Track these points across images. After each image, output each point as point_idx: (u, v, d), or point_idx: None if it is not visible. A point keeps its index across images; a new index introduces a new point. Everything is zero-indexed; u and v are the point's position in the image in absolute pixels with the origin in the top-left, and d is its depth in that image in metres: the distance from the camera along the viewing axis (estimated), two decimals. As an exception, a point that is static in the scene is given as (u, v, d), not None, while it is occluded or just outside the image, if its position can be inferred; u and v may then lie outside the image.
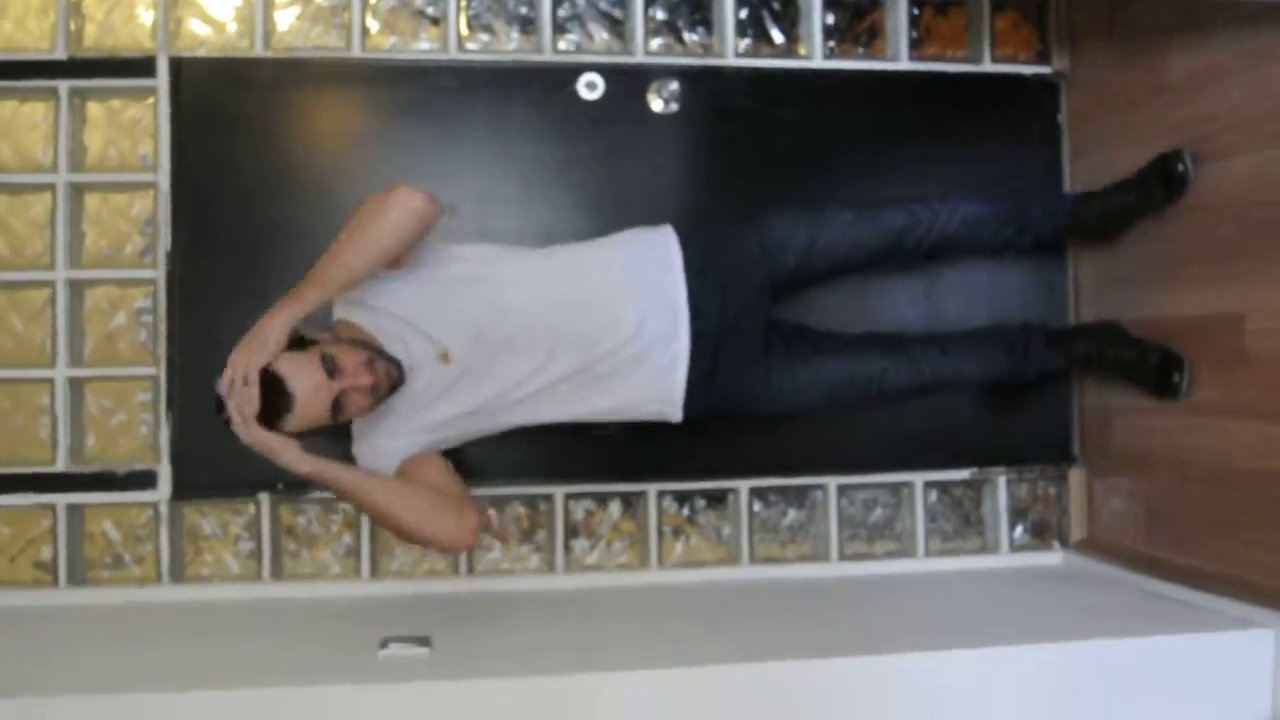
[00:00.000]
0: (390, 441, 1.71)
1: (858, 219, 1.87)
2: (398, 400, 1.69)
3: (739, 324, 1.79)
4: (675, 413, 1.79)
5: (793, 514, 2.19)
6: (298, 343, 1.58)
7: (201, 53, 2.07)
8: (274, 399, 1.51)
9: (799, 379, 1.84)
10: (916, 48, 2.25)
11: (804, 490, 2.19)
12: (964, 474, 2.22)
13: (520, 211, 2.09)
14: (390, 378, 1.62)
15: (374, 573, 2.05)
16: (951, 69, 2.25)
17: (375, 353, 1.62)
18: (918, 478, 2.20)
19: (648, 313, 1.72)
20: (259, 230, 2.03)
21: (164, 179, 2.03)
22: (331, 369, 1.54)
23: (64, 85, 2.03)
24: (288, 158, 2.06)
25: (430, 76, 2.09)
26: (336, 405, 1.55)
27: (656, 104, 2.13)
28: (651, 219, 1.87)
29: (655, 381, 1.75)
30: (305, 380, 1.52)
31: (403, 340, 1.68)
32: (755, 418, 1.92)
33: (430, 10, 2.14)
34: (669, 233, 1.81)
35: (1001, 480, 2.23)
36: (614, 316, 1.70)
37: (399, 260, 1.66)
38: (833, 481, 2.17)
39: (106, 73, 2.05)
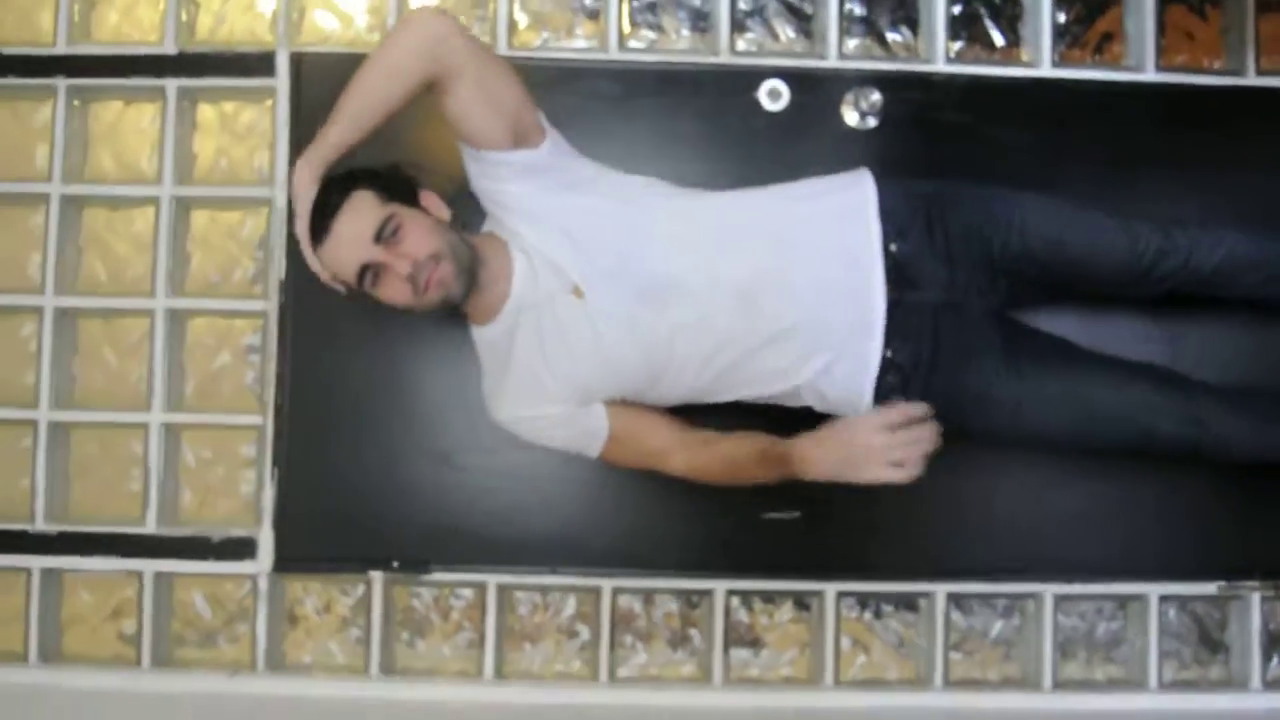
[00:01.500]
0: (555, 408, 1.43)
1: (1114, 227, 1.48)
2: (522, 346, 1.42)
3: (966, 300, 1.44)
4: (861, 408, 1.43)
5: (999, 625, 1.81)
6: (400, 189, 1.40)
7: (327, 48, 1.79)
8: (315, 218, 1.36)
9: (1046, 391, 1.44)
10: (1163, 55, 1.84)
11: (1014, 599, 1.80)
12: (1209, 588, 1.80)
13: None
14: (447, 294, 1.35)
15: (499, 672, 1.74)
16: (1206, 81, 1.83)
17: (459, 262, 1.36)
18: (1152, 590, 1.80)
19: (832, 275, 1.40)
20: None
21: (280, 194, 1.74)
22: (384, 231, 1.32)
23: (172, 84, 1.77)
24: (424, 168, 1.74)
25: (586, 80, 1.77)
26: (366, 273, 1.34)
27: (852, 117, 1.77)
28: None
29: (838, 367, 1.41)
30: (349, 223, 1.33)
31: (529, 257, 1.42)
32: (971, 436, 1.47)
33: (588, 2, 1.82)
34: (865, 177, 1.49)
35: (1255, 598, 1.81)
36: (794, 277, 1.40)
37: (475, 126, 1.40)
38: (1049, 590, 1.78)
39: (219, 70, 1.77)
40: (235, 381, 1.78)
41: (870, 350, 1.39)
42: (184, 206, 1.79)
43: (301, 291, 1.73)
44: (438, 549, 1.71)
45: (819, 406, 1.45)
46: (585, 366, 1.39)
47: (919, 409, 1.33)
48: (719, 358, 1.40)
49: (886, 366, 1.40)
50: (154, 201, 1.76)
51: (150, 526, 1.72)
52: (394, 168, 1.42)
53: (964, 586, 1.77)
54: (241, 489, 1.77)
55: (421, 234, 1.32)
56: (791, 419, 1.46)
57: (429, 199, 1.42)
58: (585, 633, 1.77)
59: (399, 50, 1.35)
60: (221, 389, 1.78)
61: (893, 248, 1.41)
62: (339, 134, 1.37)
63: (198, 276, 1.79)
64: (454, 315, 1.47)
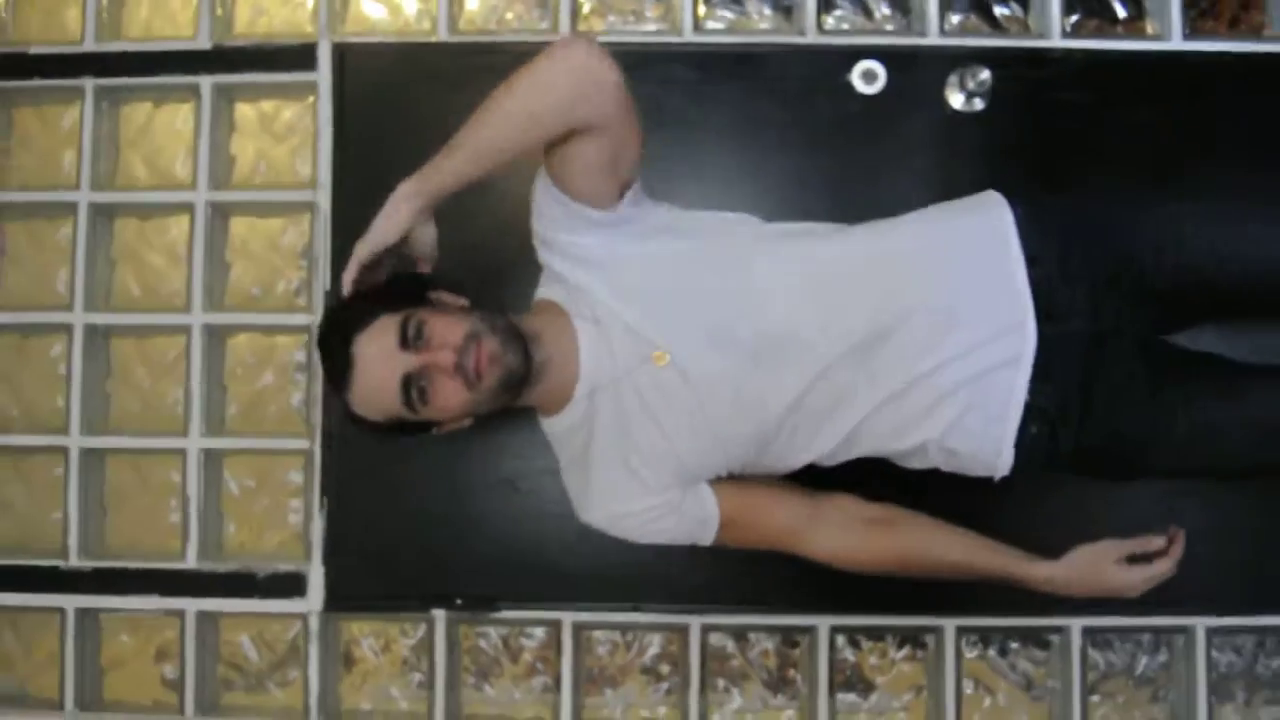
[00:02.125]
0: (654, 498, 1.21)
1: None
2: (603, 433, 1.20)
3: (1116, 330, 1.21)
4: (999, 463, 1.21)
5: (1144, 663, 1.58)
6: (405, 296, 1.17)
7: (373, 39, 1.64)
8: (330, 366, 1.16)
9: (1215, 419, 1.21)
10: (1310, 21, 1.61)
11: (1160, 632, 1.58)
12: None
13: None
14: (506, 370, 1.13)
15: (576, 717, 1.56)
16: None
17: (501, 334, 1.14)
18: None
19: (967, 313, 1.17)
20: (441, 263, 1.55)
21: (324, 198, 1.59)
22: (409, 335, 1.11)
23: (207, 81, 1.63)
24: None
25: (658, 65, 1.58)
26: (411, 388, 1.11)
27: (957, 99, 1.56)
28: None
29: (971, 417, 1.19)
30: (368, 343, 1.12)
31: (599, 324, 1.19)
32: (1133, 472, 1.27)
33: (658, -18, 1.65)
34: (996, 199, 1.26)
35: None
36: (923, 321, 1.17)
37: (585, 182, 1.17)
38: (1200, 623, 1.55)
39: (257, 65, 1.63)
40: (280, 403, 1.63)
41: (1012, 397, 1.18)
42: (221, 214, 1.65)
43: (350, 302, 1.58)
44: (506, 584, 1.54)
45: (945, 466, 1.23)
46: (683, 444, 1.18)
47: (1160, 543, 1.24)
48: (840, 418, 1.19)
49: (1030, 415, 1.18)
50: (189, 209, 1.62)
51: (191, 562, 1.58)
52: (391, 279, 1.21)
53: (1102, 620, 1.55)
54: (289, 519, 1.62)
55: (448, 322, 1.13)
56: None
57: (438, 294, 1.21)
58: (672, 676, 1.58)
59: (551, 85, 1.11)
60: (266, 411, 1.63)
61: (1033, 276, 1.19)
62: (457, 166, 1.15)
63: (237, 289, 1.65)
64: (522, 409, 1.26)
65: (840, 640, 1.57)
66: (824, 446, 1.21)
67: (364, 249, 1.16)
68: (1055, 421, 1.19)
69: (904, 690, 1.57)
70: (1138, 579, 1.22)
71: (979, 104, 1.56)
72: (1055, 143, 1.56)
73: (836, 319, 1.16)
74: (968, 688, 1.57)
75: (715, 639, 1.57)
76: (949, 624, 1.55)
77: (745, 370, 1.16)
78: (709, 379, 1.16)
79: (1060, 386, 1.18)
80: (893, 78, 1.57)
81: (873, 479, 1.28)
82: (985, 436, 1.19)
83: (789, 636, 1.58)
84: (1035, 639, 1.58)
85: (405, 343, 1.10)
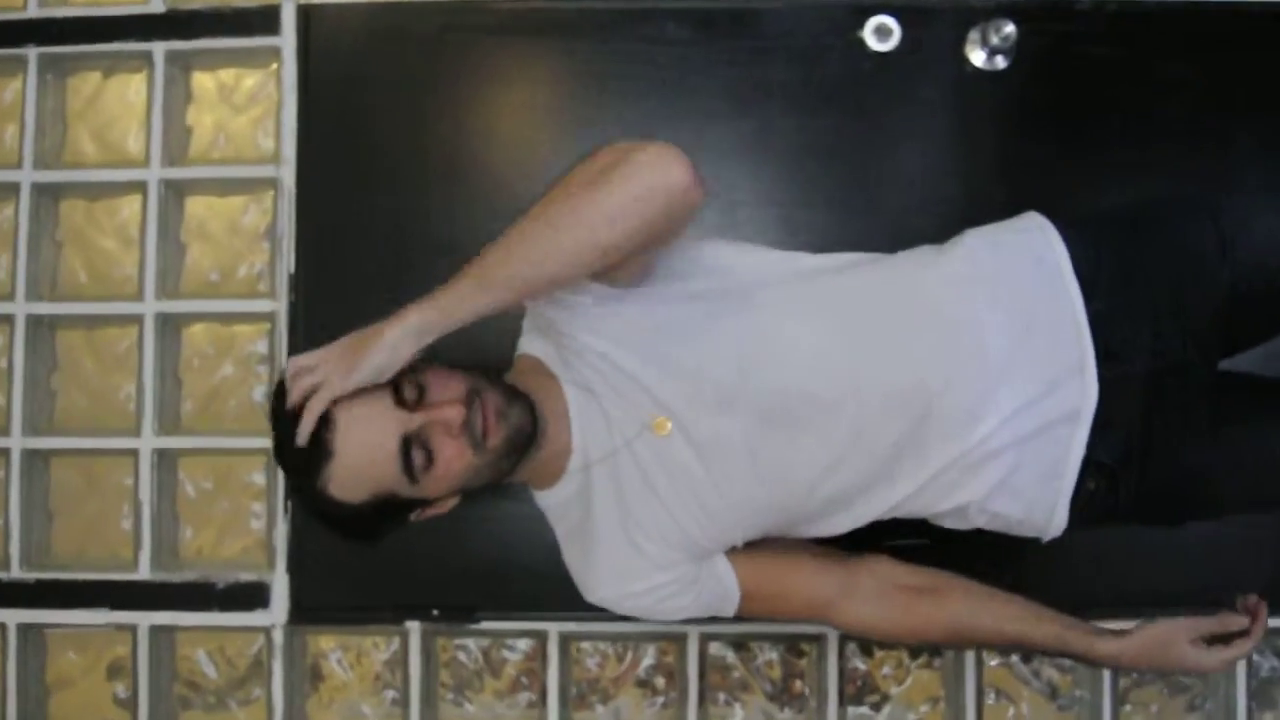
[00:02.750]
0: (665, 574, 1.06)
1: None
2: (602, 508, 1.05)
3: (1179, 363, 1.06)
4: (1051, 525, 1.08)
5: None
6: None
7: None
8: (292, 429, 0.92)
9: (1275, 441, 1.11)
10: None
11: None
12: None
13: (777, 214, 1.44)
14: (513, 429, 0.97)
15: (565, 734, 1.44)
16: None
17: (501, 390, 0.98)
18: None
19: (1023, 361, 1.03)
20: (416, 244, 1.44)
21: (288, 174, 1.47)
22: (405, 390, 0.93)
23: (160, 48, 1.51)
24: (459, 142, 1.47)
25: (651, 22, 1.47)
26: (412, 452, 0.93)
27: (978, 55, 1.44)
28: (971, 225, 1.16)
29: (1020, 477, 1.05)
30: (358, 404, 0.91)
31: (592, 391, 1.04)
32: (1200, 513, 1.15)
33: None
34: (1040, 222, 1.11)
35: None
36: (971, 376, 1.02)
37: (618, 267, 0.98)
38: (1239, 626, 1.44)
39: (215, 30, 1.51)
40: (240, 397, 1.50)
41: (1069, 454, 1.04)
42: (177, 192, 1.52)
43: (315, 289, 1.46)
44: (486, 593, 1.42)
45: (988, 526, 1.10)
46: (689, 517, 1.03)
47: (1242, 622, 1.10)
48: (878, 492, 1.05)
49: (1087, 470, 1.05)
50: (141, 188, 1.50)
51: (144, 572, 1.45)
52: None
53: (1134, 623, 1.43)
54: (251, 525, 1.48)
55: (448, 375, 0.96)
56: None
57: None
58: (668, 689, 1.46)
59: (633, 213, 0.91)
60: (225, 407, 1.50)
61: (1091, 312, 1.05)
62: (492, 301, 0.91)
63: (194, 274, 1.52)
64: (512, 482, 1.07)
65: (851, 648, 1.45)
66: (860, 520, 1.07)
67: (347, 382, 0.90)
68: (1115, 474, 1.05)
69: (920, 701, 1.45)
70: (1215, 662, 1.09)
71: (1002, 61, 1.44)
72: (1085, 103, 1.44)
73: (867, 371, 1.01)
74: (989, 698, 1.45)
75: (715, 649, 1.45)
76: (969, 630, 1.43)
77: (759, 435, 1.01)
78: (718, 446, 1.01)
79: (1121, 435, 1.04)
80: (908, 33, 1.45)
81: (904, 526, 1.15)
82: (1036, 498, 1.05)
83: (795, 645, 1.46)
84: (1062, 645, 1.46)
85: (401, 399, 0.93)
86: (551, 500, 1.09)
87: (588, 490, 1.06)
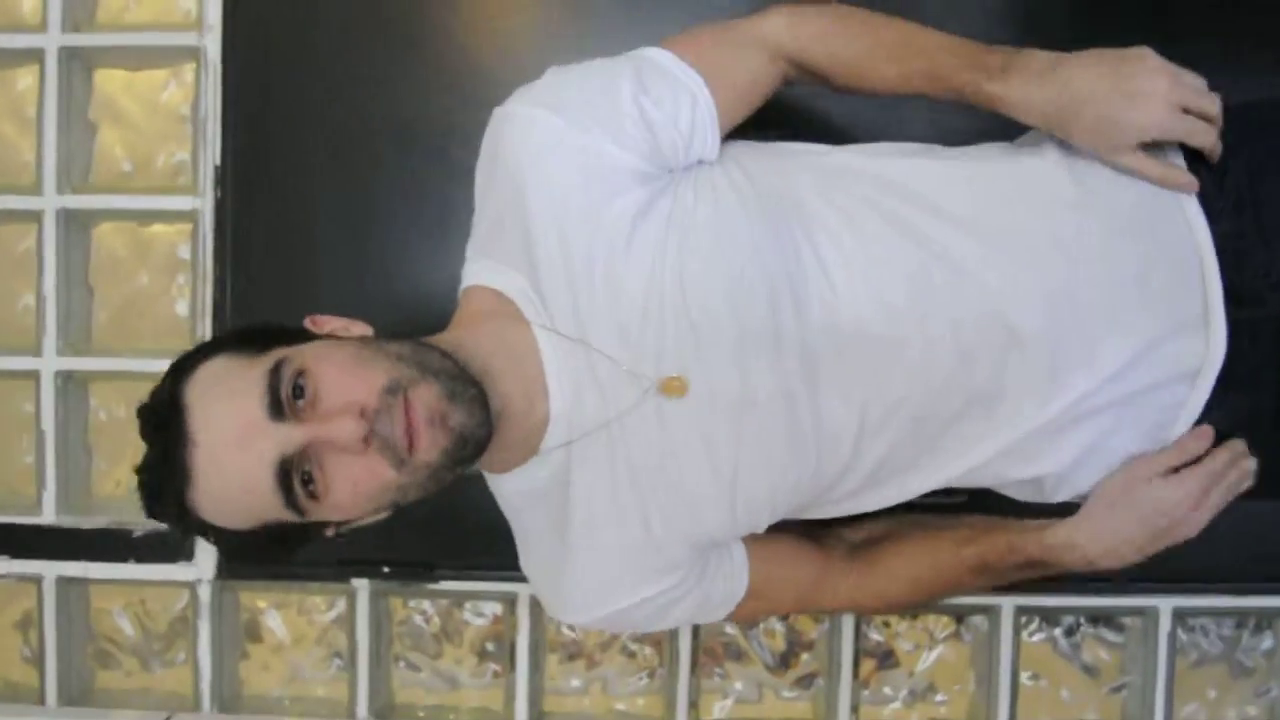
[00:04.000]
0: (671, 577, 0.85)
1: None
2: (587, 495, 0.82)
3: None
4: None
5: (1245, 642, 1.28)
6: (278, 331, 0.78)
7: None
8: (156, 451, 0.74)
9: None
10: None
11: (1267, 614, 1.27)
12: None
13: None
14: (455, 437, 0.73)
15: (534, 714, 1.25)
16: None
17: (442, 379, 0.74)
18: None
19: (1133, 304, 0.80)
20: (365, 129, 1.20)
21: (213, 43, 1.22)
22: (278, 391, 0.71)
23: (58, -114, 1.23)
24: (416, 4, 1.21)
25: None
26: (293, 479, 0.71)
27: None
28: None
29: (1117, 442, 0.85)
30: (214, 411, 0.72)
31: (583, 338, 0.80)
32: None
33: None
34: None
35: None
36: (1059, 320, 0.80)
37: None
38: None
39: None
40: (161, 311, 1.27)
41: (1176, 415, 0.84)
42: (82, 63, 1.27)
43: (246, 183, 1.22)
44: (446, 548, 1.22)
45: (1049, 499, 0.89)
46: (714, 499, 0.82)
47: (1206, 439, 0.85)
48: (947, 458, 0.84)
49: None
50: (38, 57, 1.25)
51: (49, 515, 1.24)
52: (245, 327, 0.82)
53: (1196, 600, 1.24)
54: (173, 462, 1.27)
55: (347, 368, 0.73)
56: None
57: (323, 321, 0.82)
58: (656, 659, 1.27)
59: None
60: (141, 321, 1.27)
61: (1218, 241, 0.82)
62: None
63: (104, 163, 1.28)
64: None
65: (867, 619, 1.25)
66: (909, 493, 0.86)
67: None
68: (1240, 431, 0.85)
69: (947, 682, 1.27)
70: (1185, 491, 0.84)
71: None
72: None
73: (940, 307, 0.79)
74: (1025, 680, 1.26)
75: (712, 616, 1.26)
76: (1006, 602, 1.23)
77: (798, 386, 0.79)
78: (750, 403, 0.79)
79: (1247, 396, 0.83)
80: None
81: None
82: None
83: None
84: (1108, 620, 1.27)
85: (278, 407, 0.71)
86: (512, 486, 0.86)
87: (565, 475, 0.82)
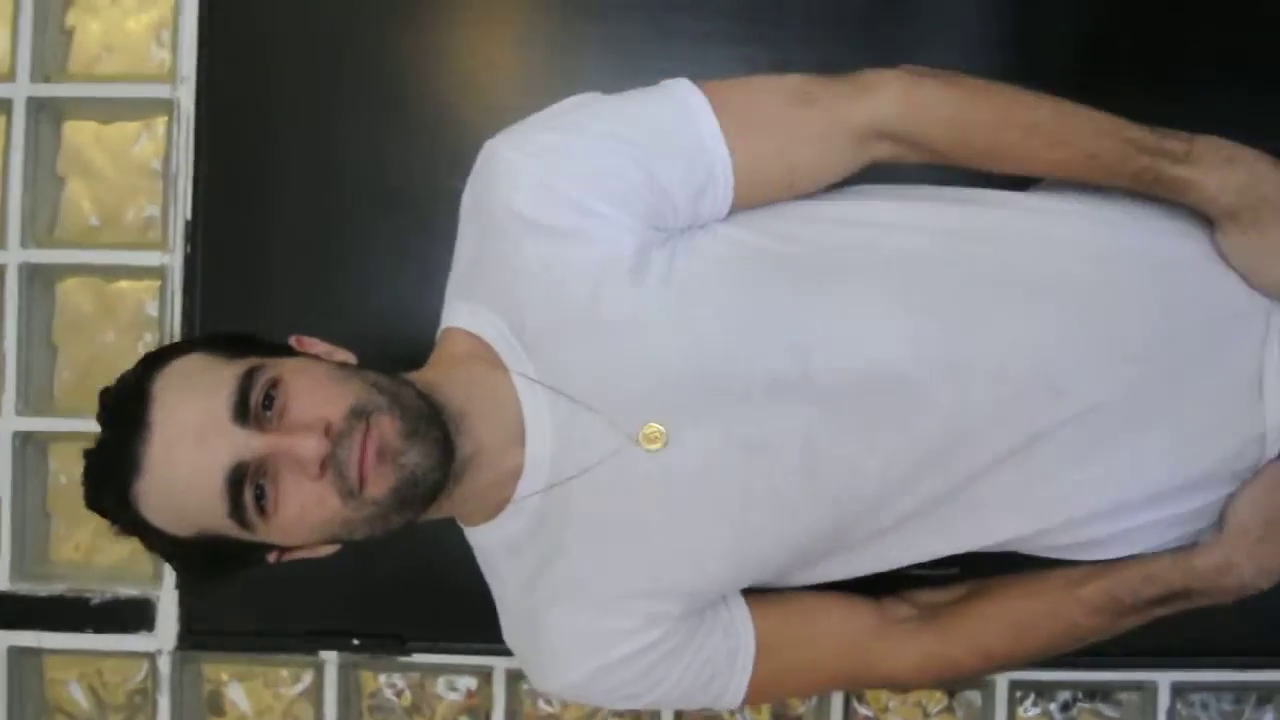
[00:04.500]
0: (656, 631, 0.79)
1: None
2: (568, 542, 0.78)
3: None
4: None
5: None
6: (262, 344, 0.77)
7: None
8: (111, 437, 0.72)
9: None
10: None
11: (1266, 689, 1.23)
12: None
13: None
14: (405, 477, 0.70)
15: (511, 792, 1.20)
16: None
17: (407, 413, 0.71)
18: None
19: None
20: (341, 186, 1.18)
21: (187, 95, 1.19)
22: (249, 397, 0.69)
23: (30, -62, 1.21)
24: (397, 61, 1.18)
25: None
26: (244, 489, 0.68)
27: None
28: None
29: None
30: (181, 405, 0.70)
31: (562, 389, 0.77)
32: None
33: None
34: None
35: None
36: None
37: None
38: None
39: (98, -88, 1.21)
40: (124, 369, 1.22)
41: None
42: (51, 114, 1.23)
43: (217, 239, 1.19)
44: (418, 618, 1.17)
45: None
46: (715, 552, 0.78)
47: None
48: (987, 516, 0.80)
49: None
50: (6, 108, 1.21)
51: (2, 581, 1.19)
52: (230, 333, 0.80)
53: (1196, 675, 1.20)
54: (135, 527, 1.23)
55: (321, 385, 0.71)
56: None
57: (308, 343, 0.80)
58: (638, 735, 1.23)
59: None
60: (106, 380, 1.20)
61: None
62: None
63: (71, 217, 1.24)
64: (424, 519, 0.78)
65: (857, 694, 1.21)
66: (935, 552, 0.82)
67: None
68: None
69: (940, 760, 1.22)
70: None
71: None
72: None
73: (974, 355, 0.76)
74: (1021, 755, 1.22)
75: (695, 691, 1.21)
76: (1000, 678, 1.19)
77: (820, 431, 0.75)
78: (763, 448, 0.75)
79: None
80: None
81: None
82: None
83: (792, 691, 1.22)
84: (1103, 695, 1.23)
85: (244, 411, 0.68)
86: (487, 538, 0.82)
87: (544, 525, 0.78)
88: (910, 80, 0.79)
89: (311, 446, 0.67)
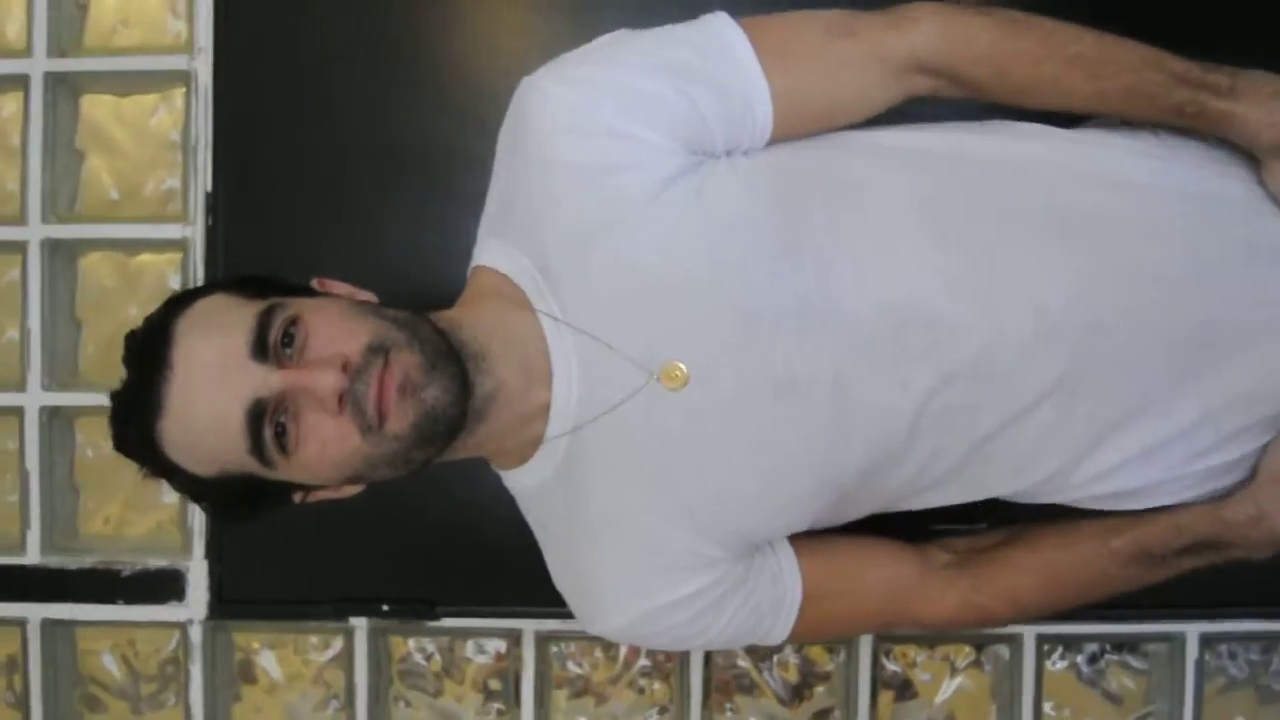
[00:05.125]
0: (706, 576, 0.79)
1: None
2: (600, 483, 0.78)
3: None
4: None
5: (1276, 666, 1.24)
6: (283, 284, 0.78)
7: None
8: (135, 377, 0.73)
9: None
10: None
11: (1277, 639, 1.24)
12: None
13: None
14: (425, 412, 0.70)
15: (542, 752, 1.21)
16: None
17: (426, 349, 0.71)
18: None
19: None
20: (360, 155, 1.17)
21: (204, 67, 1.19)
22: (269, 334, 0.70)
23: (43, -90, 1.21)
24: (413, 29, 1.18)
25: None
26: (264, 425, 0.69)
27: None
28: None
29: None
30: (202, 344, 0.71)
31: (590, 325, 0.77)
32: None
33: None
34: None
35: None
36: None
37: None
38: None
39: (111, -114, 1.21)
40: (150, 342, 1.23)
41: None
42: (69, 88, 1.23)
43: (237, 210, 1.19)
44: (447, 584, 1.18)
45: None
46: (743, 492, 0.78)
47: None
48: (996, 446, 0.79)
49: None
50: (23, 83, 1.21)
51: (33, 555, 1.20)
52: (252, 275, 0.80)
53: (1223, 626, 1.20)
54: (163, 499, 1.23)
55: (338, 321, 0.71)
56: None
57: (330, 284, 0.81)
58: (666, 694, 1.23)
59: None
60: None
61: None
62: None
63: (91, 191, 1.24)
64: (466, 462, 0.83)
65: (883, 648, 1.21)
66: (972, 494, 0.82)
67: None
68: None
69: (966, 711, 1.22)
70: None
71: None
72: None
73: (1012, 291, 0.75)
74: (1048, 710, 1.22)
75: (723, 649, 1.22)
76: (1028, 631, 1.19)
77: (850, 369, 0.75)
78: (794, 386, 0.75)
79: None
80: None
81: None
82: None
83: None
84: (1132, 647, 1.23)
85: (263, 348, 0.69)
86: (522, 483, 0.83)
87: (576, 467, 0.78)
88: (949, 13, 0.80)
89: (330, 381, 0.67)
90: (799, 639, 0.86)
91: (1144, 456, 0.80)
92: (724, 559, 0.79)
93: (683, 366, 0.74)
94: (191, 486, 0.74)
